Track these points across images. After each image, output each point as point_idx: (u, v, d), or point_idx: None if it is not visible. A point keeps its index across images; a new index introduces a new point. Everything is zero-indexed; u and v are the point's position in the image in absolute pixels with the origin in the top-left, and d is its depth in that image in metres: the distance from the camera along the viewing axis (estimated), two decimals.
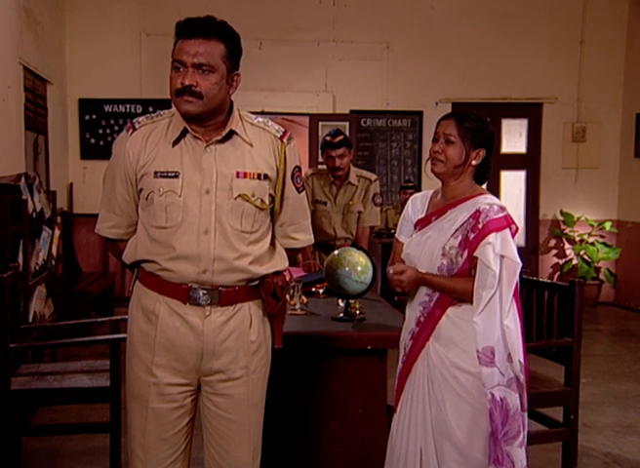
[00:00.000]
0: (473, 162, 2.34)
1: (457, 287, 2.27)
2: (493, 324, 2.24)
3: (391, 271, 2.34)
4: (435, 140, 2.36)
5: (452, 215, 2.33)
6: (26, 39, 5.73)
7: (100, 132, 7.40)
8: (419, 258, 2.35)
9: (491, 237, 2.23)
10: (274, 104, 7.42)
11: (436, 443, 2.29)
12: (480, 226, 2.25)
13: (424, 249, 2.34)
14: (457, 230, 2.29)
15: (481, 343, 2.23)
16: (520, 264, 2.25)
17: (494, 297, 2.23)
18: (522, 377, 2.27)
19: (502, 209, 2.28)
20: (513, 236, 2.27)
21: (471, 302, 2.25)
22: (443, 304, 2.31)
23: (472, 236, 2.26)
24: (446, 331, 2.30)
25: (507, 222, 2.27)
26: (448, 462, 2.26)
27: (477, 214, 2.27)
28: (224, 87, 1.96)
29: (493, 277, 2.22)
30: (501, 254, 2.23)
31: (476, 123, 2.34)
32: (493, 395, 2.22)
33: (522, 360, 2.26)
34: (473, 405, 2.25)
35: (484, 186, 2.44)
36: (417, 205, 2.47)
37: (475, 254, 2.25)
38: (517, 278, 2.27)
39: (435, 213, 2.38)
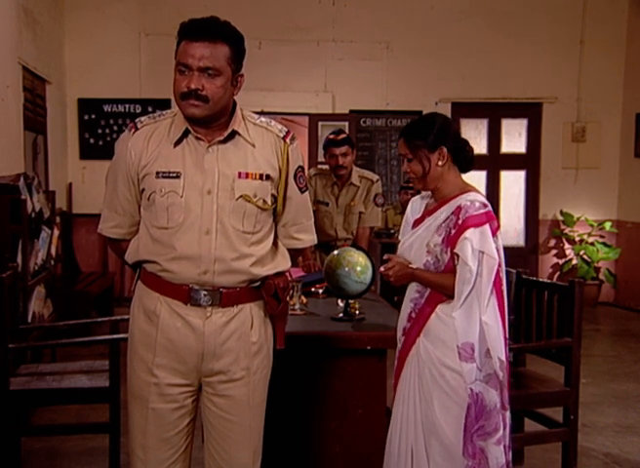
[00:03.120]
0: (440, 163, 2.37)
1: (444, 282, 2.31)
2: (473, 320, 2.26)
3: (382, 268, 2.42)
4: (402, 162, 2.44)
5: (438, 214, 2.38)
6: (25, 39, 5.72)
7: (100, 132, 7.39)
8: (409, 256, 2.42)
9: (468, 233, 2.26)
10: (274, 104, 7.41)
11: (425, 439, 2.30)
12: (460, 222, 2.28)
13: (413, 246, 2.41)
14: (439, 227, 2.34)
15: (461, 339, 2.26)
16: (497, 260, 2.27)
17: (472, 293, 2.26)
18: (502, 375, 2.28)
19: (484, 205, 2.31)
20: (494, 233, 2.29)
21: None
22: (433, 301, 2.34)
23: (453, 232, 2.30)
24: (434, 328, 2.32)
25: (487, 218, 2.29)
26: (435, 458, 2.28)
27: (458, 210, 2.31)
28: (229, 89, 1.96)
29: (469, 272, 2.25)
30: (480, 250, 2.24)
31: (421, 129, 2.38)
32: (472, 390, 2.25)
33: (503, 357, 2.27)
34: (459, 403, 2.27)
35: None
36: (415, 207, 2.53)
37: (455, 251, 2.27)
38: (495, 274, 2.27)
39: (428, 212, 2.44)
